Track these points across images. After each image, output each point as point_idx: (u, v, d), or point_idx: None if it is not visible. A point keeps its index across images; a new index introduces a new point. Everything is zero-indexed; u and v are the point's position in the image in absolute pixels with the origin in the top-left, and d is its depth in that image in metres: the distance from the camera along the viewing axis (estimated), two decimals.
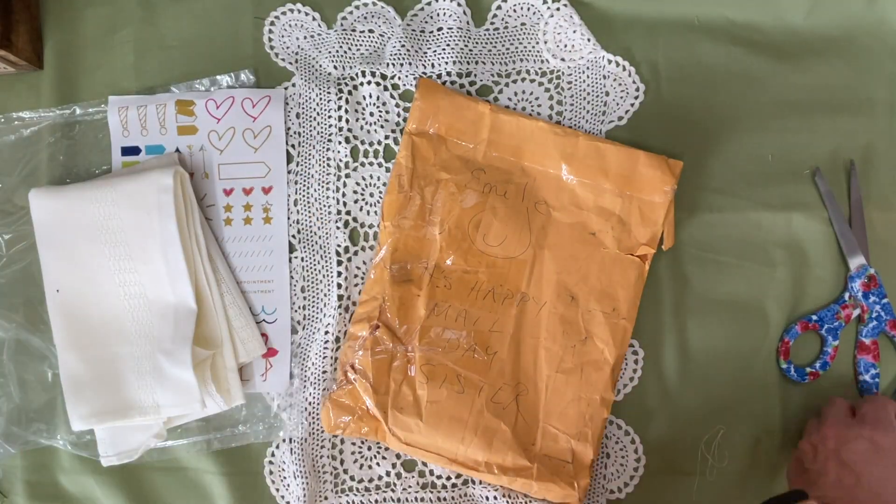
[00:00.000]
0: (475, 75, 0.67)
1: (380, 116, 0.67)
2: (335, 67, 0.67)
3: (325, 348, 0.65)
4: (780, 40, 0.67)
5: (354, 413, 0.63)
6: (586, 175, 0.64)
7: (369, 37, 0.67)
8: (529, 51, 0.67)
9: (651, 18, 0.67)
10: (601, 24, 0.67)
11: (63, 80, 0.68)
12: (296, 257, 0.66)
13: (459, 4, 0.67)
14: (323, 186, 0.67)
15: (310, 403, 0.65)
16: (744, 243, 0.66)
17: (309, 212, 0.66)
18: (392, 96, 0.67)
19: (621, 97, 0.67)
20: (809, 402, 0.65)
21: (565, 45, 0.67)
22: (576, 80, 0.67)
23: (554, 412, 0.63)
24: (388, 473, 0.65)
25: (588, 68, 0.67)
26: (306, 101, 0.67)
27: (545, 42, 0.67)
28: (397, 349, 0.63)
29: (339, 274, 0.66)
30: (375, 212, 0.66)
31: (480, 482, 0.64)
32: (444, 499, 0.64)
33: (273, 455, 0.65)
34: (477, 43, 0.67)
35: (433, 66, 0.67)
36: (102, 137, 0.67)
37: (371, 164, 0.67)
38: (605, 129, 0.67)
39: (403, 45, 0.66)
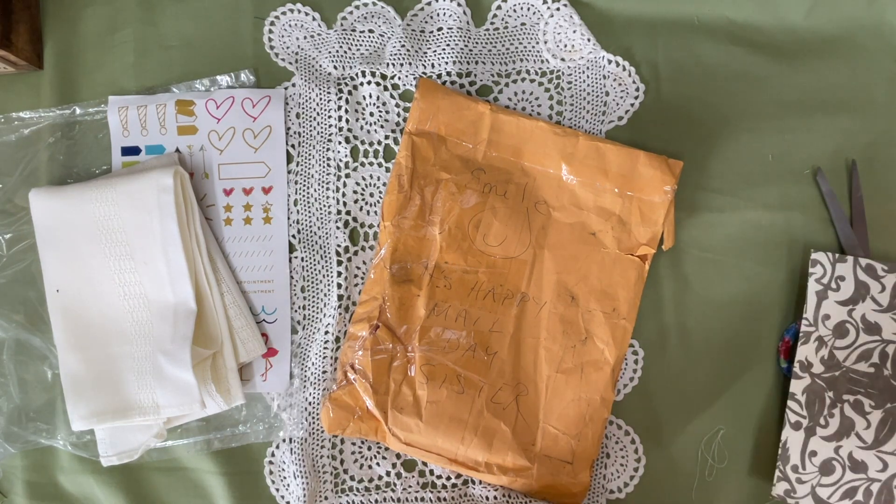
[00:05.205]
0: (475, 75, 0.67)
1: (380, 116, 0.67)
2: (335, 67, 0.67)
3: (325, 348, 0.65)
4: (780, 40, 0.67)
5: (354, 413, 0.63)
6: (586, 175, 0.64)
7: (369, 37, 0.67)
8: (529, 51, 0.67)
9: (651, 18, 0.67)
10: (601, 24, 0.67)
11: (63, 80, 0.68)
12: (296, 257, 0.66)
13: (459, 4, 0.67)
14: (323, 186, 0.67)
15: (310, 403, 0.65)
16: (744, 243, 0.66)
17: (309, 212, 0.66)
18: (392, 96, 0.67)
19: (621, 97, 0.67)
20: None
21: (565, 45, 0.67)
22: (576, 80, 0.67)
23: (554, 412, 0.63)
24: (388, 473, 0.65)
25: (588, 68, 0.67)
26: (306, 101, 0.67)
27: (545, 42, 0.67)
28: (397, 349, 0.63)
29: (339, 274, 0.66)
30: (375, 212, 0.66)
31: (480, 482, 0.64)
32: (444, 499, 0.64)
33: (273, 455, 0.65)
34: (477, 43, 0.67)
35: (433, 66, 0.67)
36: (102, 137, 0.67)
37: (371, 164, 0.67)
38: (605, 129, 0.67)
39: (403, 45, 0.66)
